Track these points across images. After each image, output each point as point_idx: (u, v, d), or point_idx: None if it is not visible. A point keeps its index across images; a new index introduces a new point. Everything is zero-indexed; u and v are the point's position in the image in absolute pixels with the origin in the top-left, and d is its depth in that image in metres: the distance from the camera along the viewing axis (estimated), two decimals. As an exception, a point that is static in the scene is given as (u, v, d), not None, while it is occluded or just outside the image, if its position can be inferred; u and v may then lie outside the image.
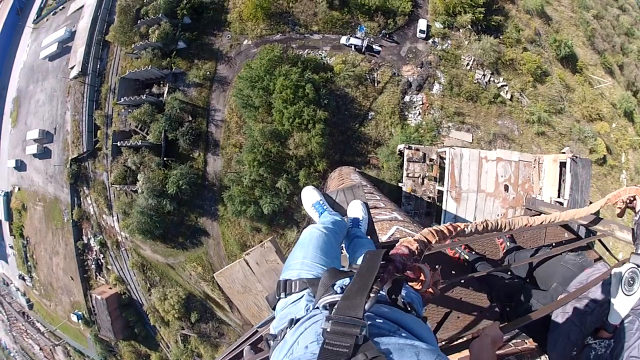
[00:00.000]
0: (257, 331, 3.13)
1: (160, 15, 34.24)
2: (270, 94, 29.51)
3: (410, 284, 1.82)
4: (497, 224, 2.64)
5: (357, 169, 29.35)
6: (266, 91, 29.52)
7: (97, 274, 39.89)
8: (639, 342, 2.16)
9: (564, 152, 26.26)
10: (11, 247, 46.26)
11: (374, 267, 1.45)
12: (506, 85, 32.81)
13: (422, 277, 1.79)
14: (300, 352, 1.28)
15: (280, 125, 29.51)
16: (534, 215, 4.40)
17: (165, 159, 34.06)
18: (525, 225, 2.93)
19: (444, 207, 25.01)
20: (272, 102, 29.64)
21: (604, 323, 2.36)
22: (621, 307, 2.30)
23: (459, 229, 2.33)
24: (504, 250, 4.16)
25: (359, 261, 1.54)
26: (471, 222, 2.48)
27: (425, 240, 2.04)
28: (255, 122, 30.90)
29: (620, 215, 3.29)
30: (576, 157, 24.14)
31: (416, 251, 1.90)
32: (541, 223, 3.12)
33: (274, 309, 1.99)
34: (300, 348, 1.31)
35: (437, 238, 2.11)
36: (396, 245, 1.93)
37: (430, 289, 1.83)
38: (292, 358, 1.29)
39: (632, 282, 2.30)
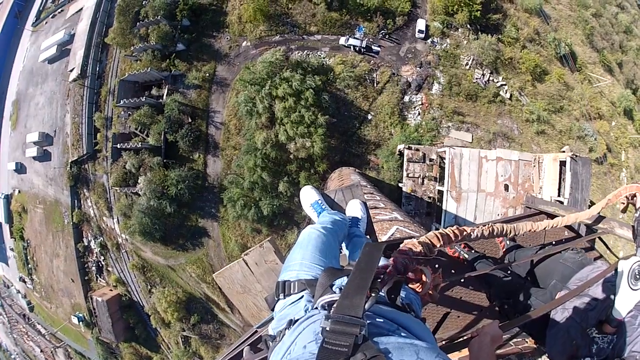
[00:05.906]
0: (256, 331, 3.12)
1: (159, 18, 34.24)
2: (273, 99, 29.46)
3: (410, 285, 1.82)
4: (503, 229, 2.63)
5: (357, 170, 29.31)
6: (270, 97, 29.44)
7: (97, 275, 39.90)
8: None
9: (563, 151, 26.24)
10: (12, 249, 46.23)
11: (374, 261, 1.44)
12: (505, 85, 32.77)
13: (423, 279, 1.78)
14: (298, 352, 1.27)
15: (284, 134, 29.25)
16: (536, 216, 4.41)
17: (165, 160, 34.05)
18: (530, 230, 2.92)
19: (444, 207, 24.98)
20: (273, 108, 29.55)
21: (608, 317, 2.34)
22: (626, 302, 2.29)
23: (465, 233, 2.31)
24: (504, 249, 4.16)
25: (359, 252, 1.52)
26: (477, 227, 2.46)
27: (430, 243, 2.02)
28: (257, 129, 30.65)
29: (624, 210, 3.28)
30: (576, 156, 24.13)
31: (420, 254, 1.89)
32: (545, 228, 3.12)
33: (272, 310, 1.98)
34: (298, 348, 1.30)
35: (442, 242, 2.09)
36: (400, 246, 1.93)
37: (430, 291, 1.82)
38: (291, 358, 1.29)
39: (638, 276, 2.28)
